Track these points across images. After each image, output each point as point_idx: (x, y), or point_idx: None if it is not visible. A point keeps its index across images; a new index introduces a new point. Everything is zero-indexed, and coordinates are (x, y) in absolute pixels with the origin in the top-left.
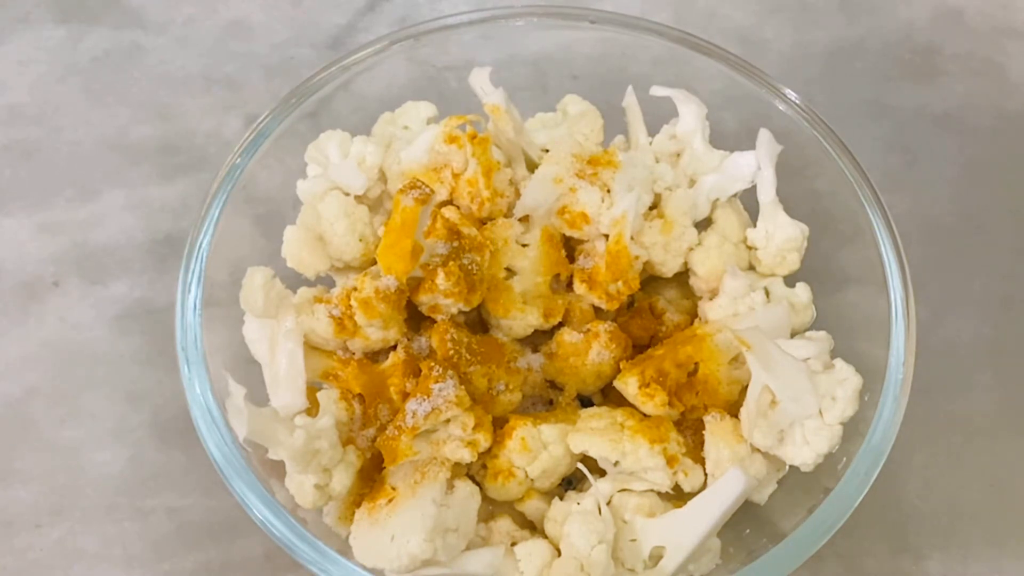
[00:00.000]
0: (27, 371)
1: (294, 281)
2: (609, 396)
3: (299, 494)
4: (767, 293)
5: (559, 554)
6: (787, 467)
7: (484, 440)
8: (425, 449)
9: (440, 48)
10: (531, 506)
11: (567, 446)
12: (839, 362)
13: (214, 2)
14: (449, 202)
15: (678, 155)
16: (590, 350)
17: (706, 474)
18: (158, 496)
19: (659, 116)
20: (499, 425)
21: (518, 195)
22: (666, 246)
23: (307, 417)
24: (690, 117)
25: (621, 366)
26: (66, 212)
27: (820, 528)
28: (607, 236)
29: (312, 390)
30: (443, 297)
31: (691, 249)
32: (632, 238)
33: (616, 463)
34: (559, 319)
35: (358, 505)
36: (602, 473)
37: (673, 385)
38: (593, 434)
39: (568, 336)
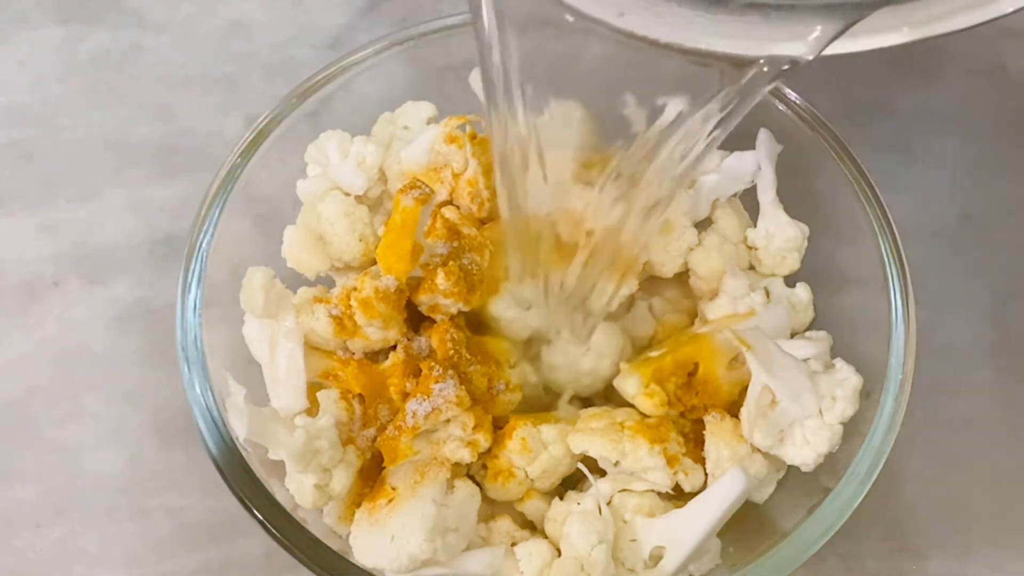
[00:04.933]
0: (27, 371)
1: (294, 281)
2: (609, 396)
3: (299, 494)
4: (767, 293)
5: (559, 554)
6: (787, 467)
7: (484, 440)
8: (425, 449)
9: (440, 48)
10: (531, 506)
11: (567, 446)
12: (839, 362)
13: (214, 2)
14: (449, 202)
15: None
16: (589, 350)
17: (706, 474)
18: (158, 496)
19: None
20: (499, 425)
21: None
22: (666, 246)
23: (307, 417)
24: None
25: (621, 366)
26: (66, 212)
27: (820, 528)
28: None
29: (312, 390)
30: (443, 297)
31: (691, 249)
32: None
33: (616, 463)
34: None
35: (358, 505)
36: (602, 473)
37: (673, 385)
38: (593, 434)
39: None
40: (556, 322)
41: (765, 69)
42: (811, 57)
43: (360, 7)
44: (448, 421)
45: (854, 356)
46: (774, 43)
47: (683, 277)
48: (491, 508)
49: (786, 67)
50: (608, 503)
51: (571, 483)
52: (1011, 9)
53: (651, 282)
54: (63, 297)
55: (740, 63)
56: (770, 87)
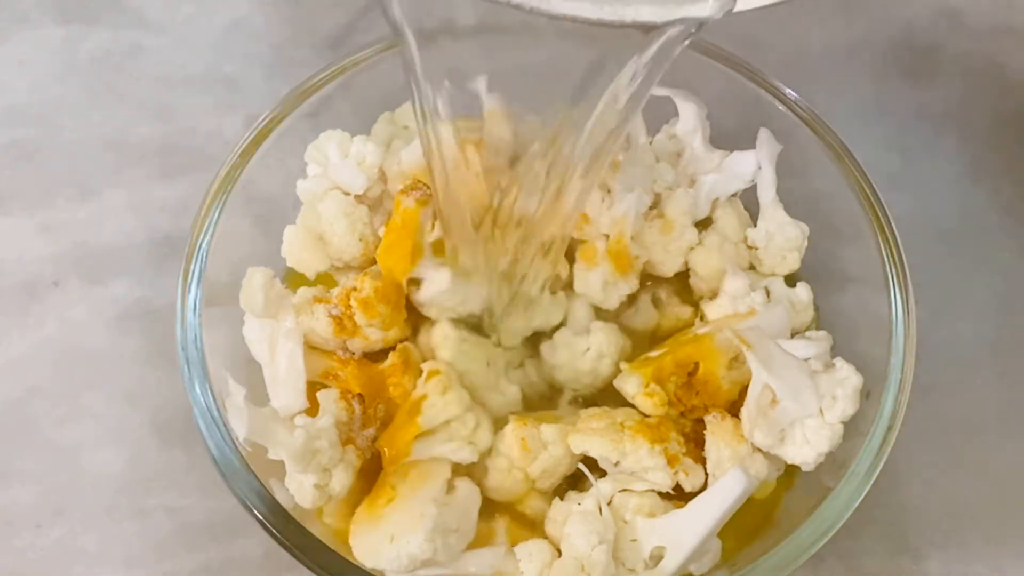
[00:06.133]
0: (27, 371)
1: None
2: (609, 396)
3: (299, 494)
4: (767, 293)
5: (559, 554)
6: (787, 467)
7: (484, 440)
8: (425, 449)
9: None
10: (531, 506)
11: (567, 446)
12: (839, 361)
13: (214, 2)
14: None
15: (678, 155)
16: (589, 350)
17: (707, 474)
18: (158, 496)
19: (659, 116)
20: (499, 425)
21: None
22: (666, 246)
23: (307, 417)
24: (690, 117)
25: (621, 366)
26: (66, 212)
27: (820, 528)
28: (607, 236)
29: (312, 390)
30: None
31: (691, 249)
32: (632, 238)
33: (616, 463)
34: (559, 319)
35: (358, 505)
36: (602, 473)
37: (673, 385)
38: (593, 434)
39: (567, 336)
40: (500, 301)
41: (676, 32)
42: (720, 16)
43: (360, 7)
44: (448, 421)
45: (854, 356)
46: (683, 6)
47: (683, 276)
48: (491, 508)
49: (695, 30)
50: (608, 503)
51: (571, 483)
52: None
53: (651, 281)
54: (63, 297)
55: (648, 28)
56: (680, 49)
